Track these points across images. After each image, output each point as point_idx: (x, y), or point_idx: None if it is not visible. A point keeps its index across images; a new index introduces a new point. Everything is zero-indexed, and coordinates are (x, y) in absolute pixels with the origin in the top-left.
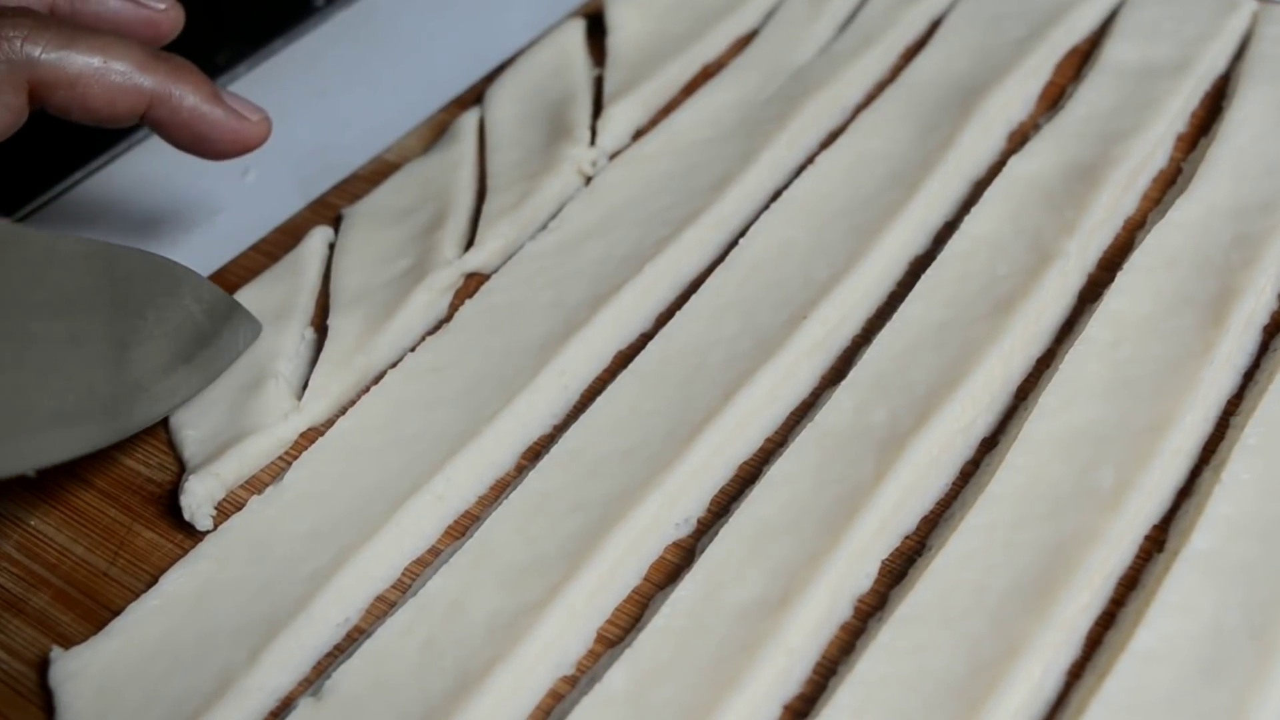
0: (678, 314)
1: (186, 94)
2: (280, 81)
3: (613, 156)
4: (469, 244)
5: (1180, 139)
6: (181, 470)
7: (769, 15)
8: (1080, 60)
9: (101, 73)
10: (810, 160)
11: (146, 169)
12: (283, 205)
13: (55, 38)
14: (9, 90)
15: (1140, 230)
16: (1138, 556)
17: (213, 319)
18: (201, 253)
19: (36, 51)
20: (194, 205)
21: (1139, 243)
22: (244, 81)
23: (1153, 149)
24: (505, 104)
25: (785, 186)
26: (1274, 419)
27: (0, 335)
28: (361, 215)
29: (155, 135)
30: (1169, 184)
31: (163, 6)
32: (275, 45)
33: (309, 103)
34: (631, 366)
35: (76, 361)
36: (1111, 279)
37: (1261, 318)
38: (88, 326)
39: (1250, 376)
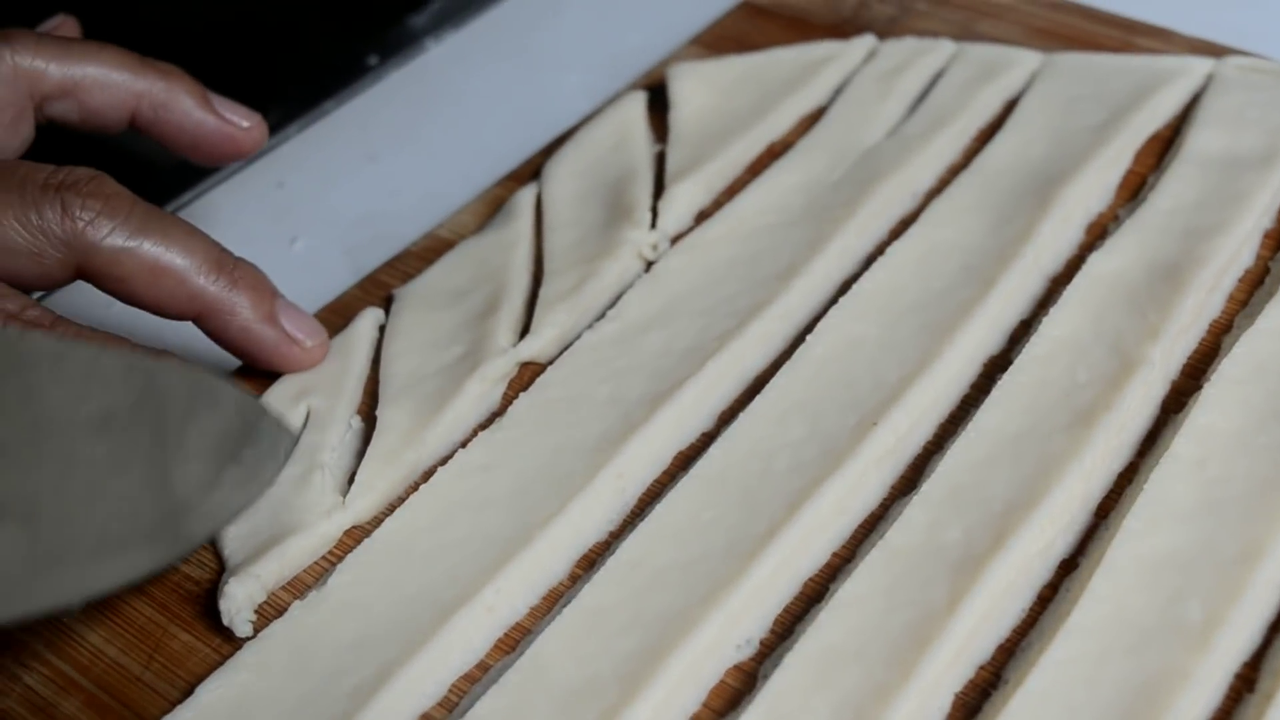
0: (741, 415)
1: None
2: (331, 144)
3: (674, 239)
4: (524, 330)
5: (1268, 236)
6: (221, 568)
7: (837, 92)
8: (1162, 148)
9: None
10: (880, 249)
11: None
12: (331, 276)
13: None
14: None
15: (1226, 335)
16: (1227, 697)
17: (252, 432)
18: None
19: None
20: None
21: (1226, 350)
22: (294, 143)
23: (1239, 247)
24: (563, 181)
25: (854, 277)
26: None
27: (42, 458)
28: (413, 296)
29: (195, 203)
30: (1256, 284)
31: (247, 125)
32: (326, 106)
33: (359, 167)
34: (692, 471)
35: (120, 484)
36: (1196, 387)
37: None
38: (130, 446)
39: None
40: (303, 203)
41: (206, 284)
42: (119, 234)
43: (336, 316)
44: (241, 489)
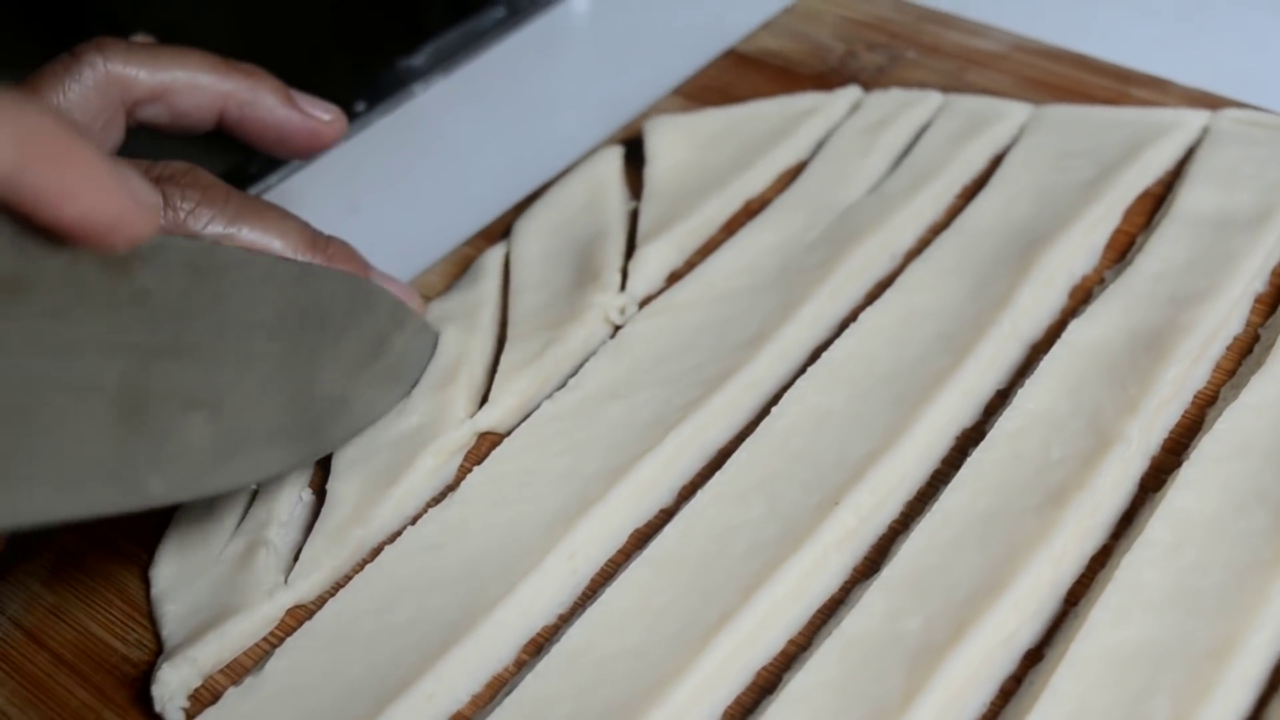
0: (699, 492)
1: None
2: (313, 194)
3: (643, 303)
4: (485, 399)
5: (1259, 300)
6: (160, 650)
7: (819, 146)
8: (1153, 205)
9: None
10: (855, 314)
11: None
12: None
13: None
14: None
15: (1211, 408)
16: None
17: (403, 335)
18: None
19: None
20: None
21: (1209, 425)
22: (276, 192)
23: (1227, 314)
24: (532, 240)
25: (827, 343)
26: None
27: (226, 356)
28: None
29: None
30: (1245, 353)
31: (328, 118)
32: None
33: (340, 219)
34: (645, 553)
35: (288, 380)
36: (1177, 463)
37: None
38: (298, 346)
39: None
40: None
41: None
42: (218, 222)
43: None
44: (392, 387)
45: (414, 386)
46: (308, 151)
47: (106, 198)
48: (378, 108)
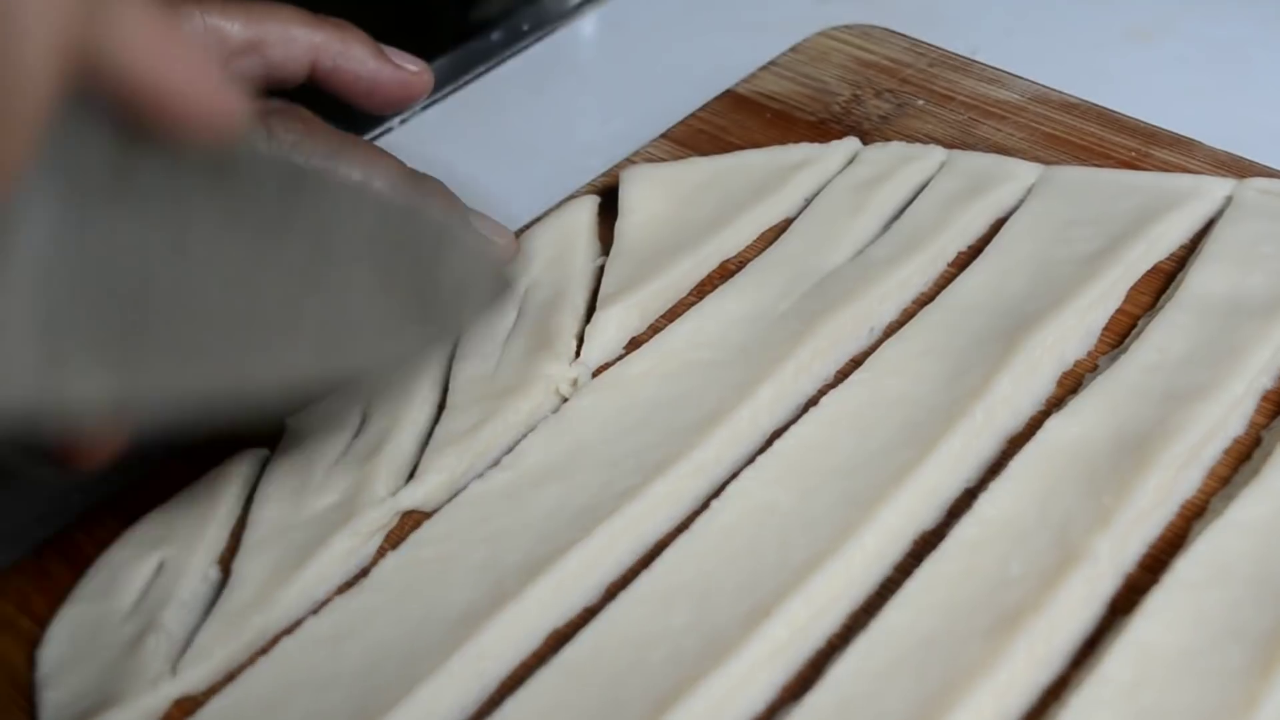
0: (622, 594)
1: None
2: None
3: (599, 371)
4: (413, 474)
5: (1266, 398)
6: None
7: (809, 202)
8: (1162, 283)
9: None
10: (820, 397)
11: None
12: None
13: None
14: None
15: (1199, 519)
16: None
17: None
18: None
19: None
20: None
21: (1191, 542)
22: None
23: (1226, 414)
24: None
25: (785, 429)
26: None
27: (323, 277)
28: (304, 427)
29: None
30: (1244, 458)
31: (415, 69)
32: None
33: None
34: (556, 660)
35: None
36: (1155, 582)
37: None
38: (393, 268)
39: None
40: None
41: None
42: (319, 154)
43: (225, 446)
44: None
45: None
46: (397, 103)
47: (201, 79)
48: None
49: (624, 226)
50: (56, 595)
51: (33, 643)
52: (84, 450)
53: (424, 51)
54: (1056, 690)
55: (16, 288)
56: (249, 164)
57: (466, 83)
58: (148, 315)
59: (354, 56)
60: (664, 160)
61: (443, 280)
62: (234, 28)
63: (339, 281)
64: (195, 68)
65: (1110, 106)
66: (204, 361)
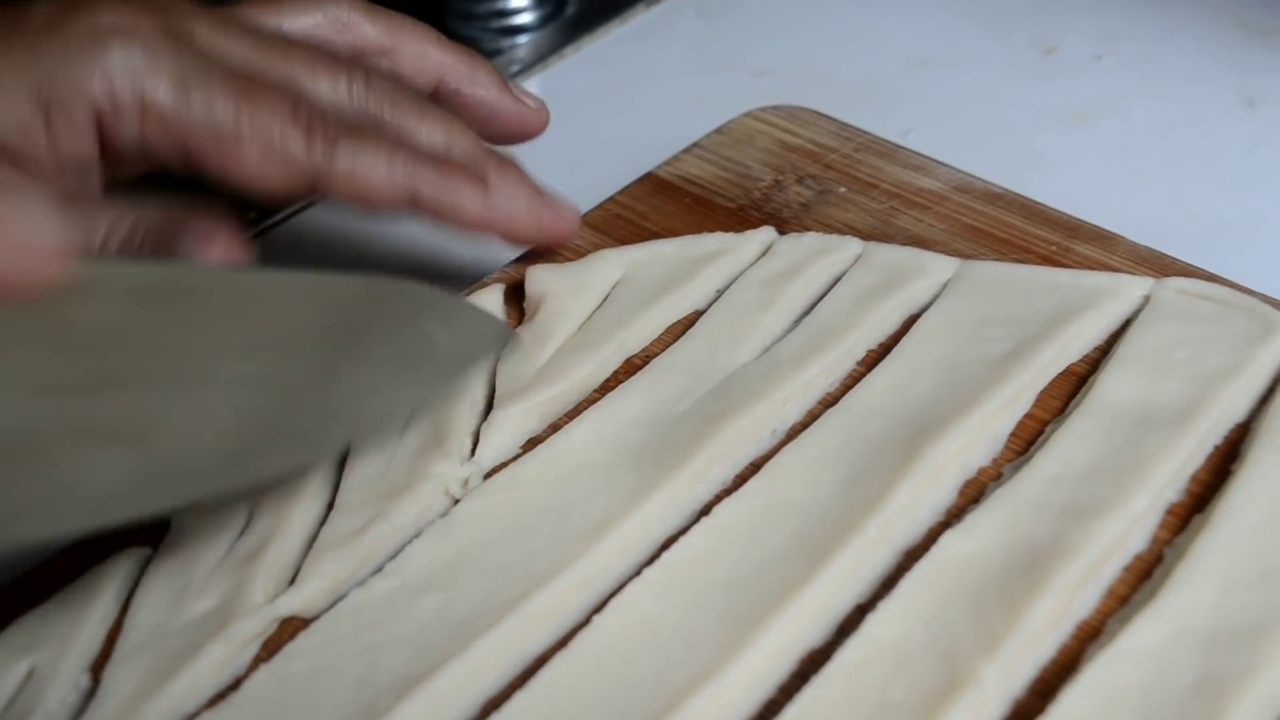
0: (494, 715)
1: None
2: None
3: (492, 472)
4: (294, 578)
5: (1173, 511)
6: None
7: (719, 294)
8: (1075, 386)
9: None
10: (711, 506)
11: None
12: None
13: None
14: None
15: (1094, 643)
16: None
17: (457, 336)
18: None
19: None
20: None
21: (1082, 669)
22: None
23: (1127, 530)
24: None
25: (678, 537)
26: None
27: (174, 381)
28: (189, 526)
29: None
30: (1145, 576)
31: (534, 105)
32: None
33: None
34: None
35: (265, 399)
36: (1042, 710)
37: None
38: (288, 362)
39: None
40: None
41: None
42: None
43: (107, 545)
44: (423, 388)
45: (453, 381)
46: (514, 135)
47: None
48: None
49: (528, 323)
50: None
51: None
52: None
53: None
54: None
55: None
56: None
57: None
58: None
59: (480, 82)
60: (579, 248)
61: (423, 341)
62: (372, 29)
63: (293, 375)
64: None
65: (1041, 191)
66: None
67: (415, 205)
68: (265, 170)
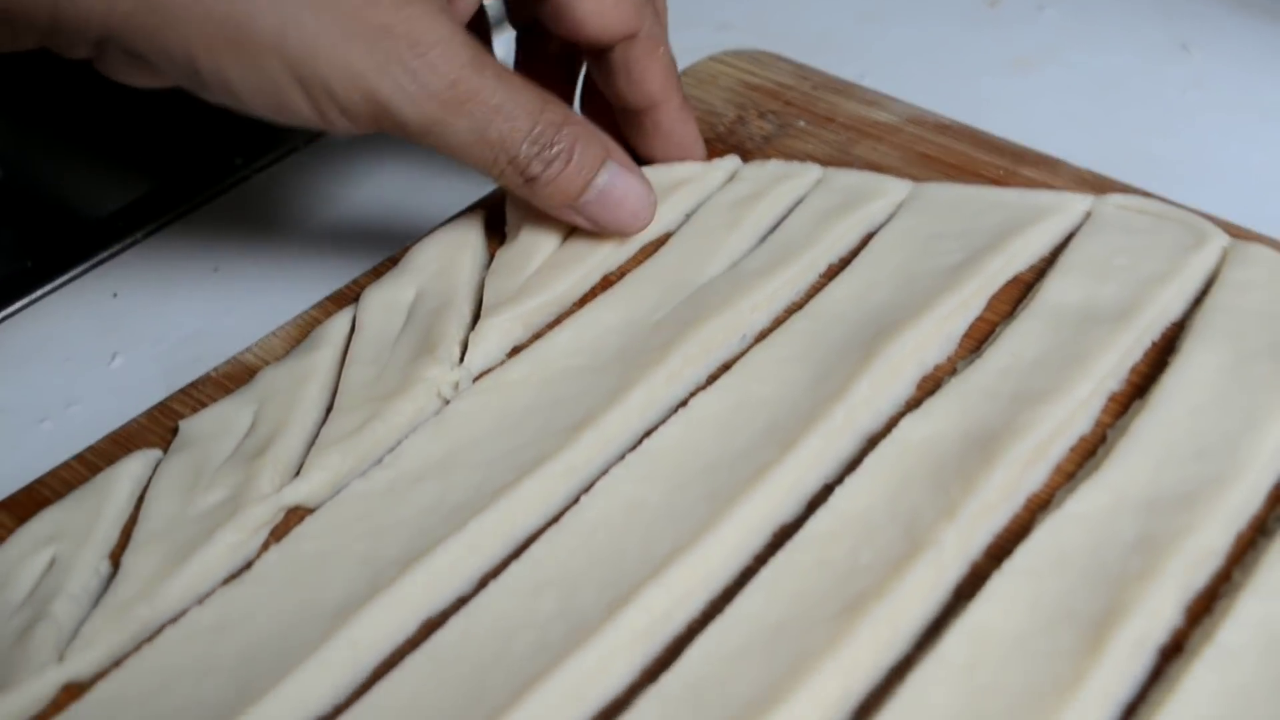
0: (491, 584)
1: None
2: (176, 252)
3: (479, 377)
4: (299, 473)
5: (1114, 399)
6: None
7: (688, 217)
8: (1022, 292)
9: None
10: (687, 401)
11: (8, 347)
12: (143, 398)
13: None
14: None
15: (1044, 512)
16: None
17: None
18: (42, 451)
19: None
20: (50, 393)
21: (1033, 533)
22: (140, 249)
23: (1072, 414)
24: (377, 309)
25: (655, 430)
26: None
27: None
28: (196, 429)
29: (25, 310)
30: (1090, 455)
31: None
32: (182, 209)
33: (199, 279)
34: (425, 647)
35: None
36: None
37: (1159, 637)
38: None
39: (1134, 710)
40: (133, 316)
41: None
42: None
43: (119, 448)
44: None
45: None
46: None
47: None
48: (257, 161)
49: (508, 244)
50: None
51: None
52: None
53: None
54: (901, 671)
55: None
56: None
57: None
58: None
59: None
60: None
61: None
62: None
63: None
64: None
65: (986, 130)
66: None
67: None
68: (609, 12)
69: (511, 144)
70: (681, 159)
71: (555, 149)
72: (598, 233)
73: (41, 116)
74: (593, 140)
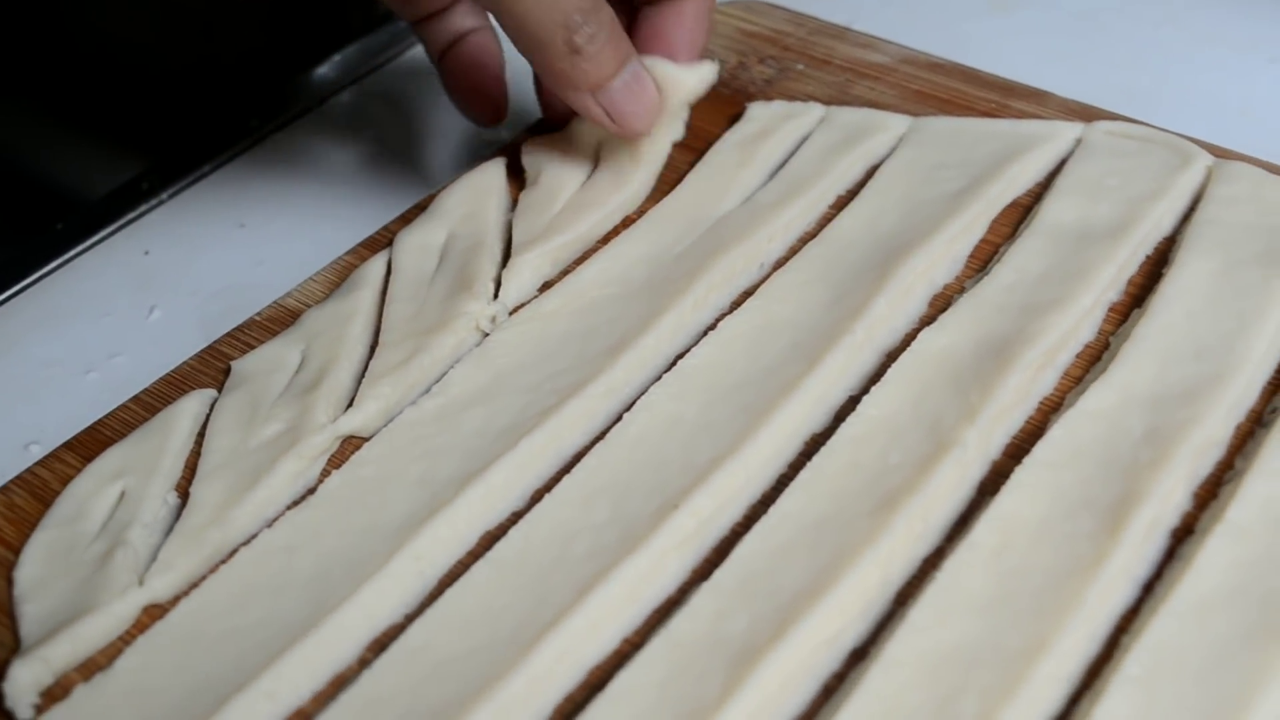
0: (546, 497)
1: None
2: (202, 209)
3: (515, 311)
4: (351, 404)
5: (1114, 309)
6: (18, 648)
7: (698, 158)
8: (1020, 216)
9: None
10: (717, 325)
11: (48, 305)
12: (182, 348)
13: None
14: None
15: (1056, 413)
16: None
17: None
18: (91, 400)
19: None
20: (93, 346)
21: (1049, 430)
22: (167, 209)
23: (1077, 323)
24: (412, 251)
25: (687, 353)
26: (1163, 644)
27: None
28: (248, 369)
29: (60, 270)
30: (1095, 360)
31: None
32: (203, 169)
33: (226, 235)
34: (489, 555)
35: None
36: (1018, 465)
37: (1170, 521)
38: None
39: (1151, 588)
40: (166, 271)
41: None
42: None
43: (174, 389)
44: None
45: None
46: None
47: None
48: (272, 122)
49: (529, 188)
50: (26, 525)
51: (8, 566)
52: None
53: (335, 39)
54: (934, 560)
55: None
56: None
57: (378, 67)
58: None
59: None
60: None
61: None
62: None
63: None
64: None
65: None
66: None
67: None
68: None
69: (566, 8)
70: (690, 60)
71: (598, 26)
72: (608, 128)
73: (60, 89)
74: (623, 32)
